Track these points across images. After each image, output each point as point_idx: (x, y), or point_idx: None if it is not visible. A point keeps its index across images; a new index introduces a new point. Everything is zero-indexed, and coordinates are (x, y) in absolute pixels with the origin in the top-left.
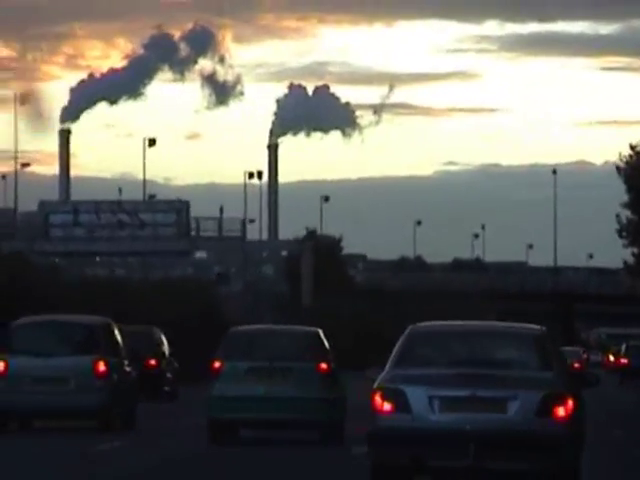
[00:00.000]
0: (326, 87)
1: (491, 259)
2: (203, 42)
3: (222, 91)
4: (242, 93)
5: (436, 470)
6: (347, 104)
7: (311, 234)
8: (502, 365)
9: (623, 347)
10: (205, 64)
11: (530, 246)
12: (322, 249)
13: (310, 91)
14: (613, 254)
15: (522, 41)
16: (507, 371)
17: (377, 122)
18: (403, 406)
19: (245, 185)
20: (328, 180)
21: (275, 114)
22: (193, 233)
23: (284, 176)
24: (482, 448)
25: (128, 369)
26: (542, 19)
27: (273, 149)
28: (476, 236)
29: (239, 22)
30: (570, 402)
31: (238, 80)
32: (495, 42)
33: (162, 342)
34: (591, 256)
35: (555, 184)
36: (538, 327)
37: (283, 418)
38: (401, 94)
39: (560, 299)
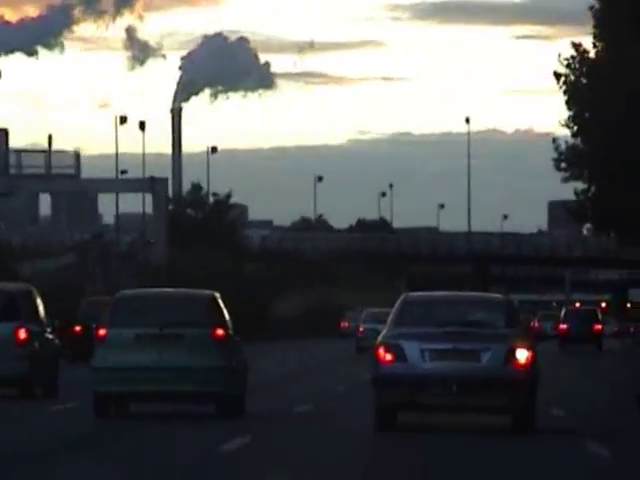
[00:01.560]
0: (245, 40)
1: (400, 225)
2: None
3: (143, 51)
4: (164, 56)
5: (427, 406)
6: (266, 64)
7: (195, 188)
8: (476, 325)
9: (562, 312)
10: (127, 21)
11: (442, 206)
12: (203, 205)
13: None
14: (526, 220)
15: (434, 9)
16: (480, 329)
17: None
18: (401, 357)
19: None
20: (239, 149)
21: (180, 75)
22: (13, 171)
23: (191, 143)
24: (462, 389)
25: (50, 337)
26: None
27: (176, 113)
28: (383, 194)
29: None
30: (529, 353)
31: (160, 42)
32: (407, 10)
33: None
34: (505, 217)
35: (469, 152)
36: (503, 296)
37: (175, 390)
38: (314, 63)
39: (475, 261)
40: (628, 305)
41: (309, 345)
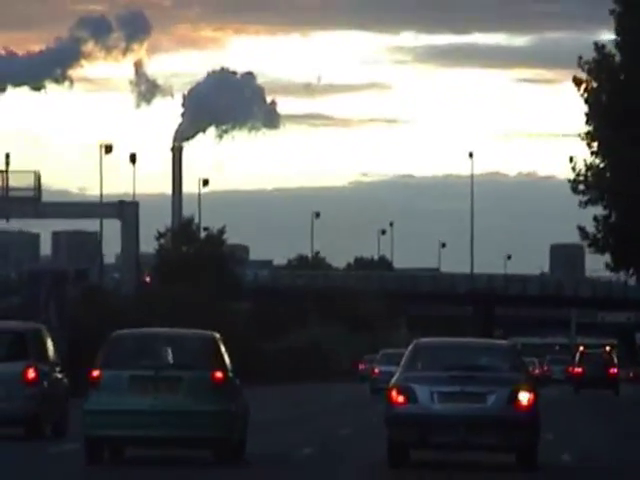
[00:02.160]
0: (251, 76)
1: (400, 265)
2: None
3: (150, 88)
4: (172, 95)
5: (436, 445)
6: (273, 102)
7: (187, 223)
8: (482, 369)
9: (577, 356)
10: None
11: (443, 245)
12: (194, 240)
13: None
14: (528, 263)
15: (437, 52)
16: (486, 373)
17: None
18: (412, 398)
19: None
20: (241, 190)
21: (183, 111)
22: None
23: (191, 183)
24: (469, 428)
25: (59, 376)
26: (457, 31)
27: (177, 151)
28: (383, 232)
29: (156, 32)
30: (531, 395)
31: (167, 82)
32: (410, 53)
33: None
34: (509, 257)
35: (472, 194)
36: (508, 342)
37: (172, 435)
38: (317, 105)
39: (477, 302)
40: None
41: (322, 387)
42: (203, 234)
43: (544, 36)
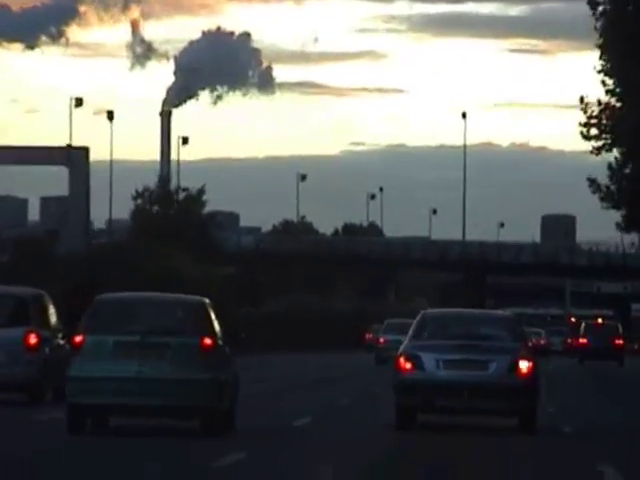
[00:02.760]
0: (247, 37)
1: (390, 234)
2: None
3: (146, 50)
4: (168, 58)
5: (441, 408)
6: (269, 67)
7: (163, 182)
8: (484, 338)
9: (582, 326)
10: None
11: (434, 211)
12: (173, 200)
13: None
14: (522, 232)
15: (431, 21)
16: (488, 342)
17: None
18: (419, 366)
19: None
20: (233, 158)
21: (175, 71)
22: None
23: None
24: (472, 394)
25: (61, 342)
26: (452, 0)
27: (165, 117)
28: (372, 197)
29: None
30: (530, 363)
31: (163, 47)
32: (404, 22)
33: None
34: (502, 225)
35: (465, 165)
36: (509, 313)
37: (158, 404)
38: (310, 73)
39: (470, 269)
40: None
41: (331, 356)
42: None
43: (539, 6)
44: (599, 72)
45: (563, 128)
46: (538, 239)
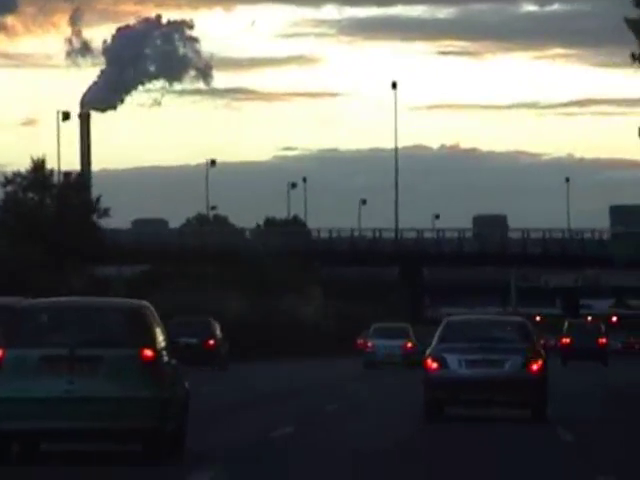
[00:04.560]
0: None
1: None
2: None
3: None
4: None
5: (465, 401)
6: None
7: (37, 165)
8: (500, 341)
9: (565, 325)
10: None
11: (364, 202)
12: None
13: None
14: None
15: (361, 25)
16: (503, 344)
17: None
18: (444, 365)
19: None
20: (146, 166)
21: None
22: None
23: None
24: (490, 388)
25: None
26: (381, 3)
27: (84, 119)
28: (293, 186)
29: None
30: (540, 361)
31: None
32: (334, 26)
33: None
34: (437, 217)
35: (396, 167)
36: (520, 318)
37: (91, 427)
38: (240, 79)
39: (406, 262)
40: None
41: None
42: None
43: (467, 8)
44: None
45: (493, 129)
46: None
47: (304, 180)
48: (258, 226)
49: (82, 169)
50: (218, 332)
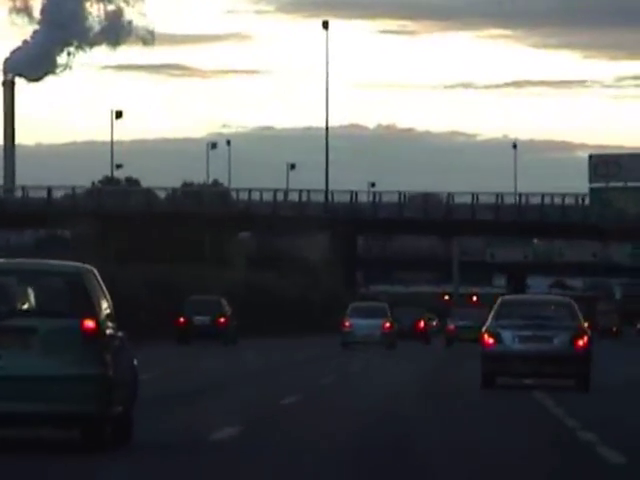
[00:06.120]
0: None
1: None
2: None
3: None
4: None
5: (517, 373)
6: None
7: None
8: (549, 319)
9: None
10: None
11: (292, 166)
12: None
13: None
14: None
15: (299, 3)
16: (552, 322)
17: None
18: (499, 340)
19: None
20: (98, 141)
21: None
22: None
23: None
24: (540, 362)
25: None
26: None
27: (8, 88)
28: (213, 146)
29: None
30: (585, 338)
31: None
32: (272, 3)
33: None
34: (373, 184)
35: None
36: (567, 299)
37: (23, 410)
38: (176, 55)
39: (338, 228)
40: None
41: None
42: None
43: None
44: None
45: (430, 109)
46: None
47: (228, 143)
48: (173, 190)
49: (5, 149)
50: (228, 310)
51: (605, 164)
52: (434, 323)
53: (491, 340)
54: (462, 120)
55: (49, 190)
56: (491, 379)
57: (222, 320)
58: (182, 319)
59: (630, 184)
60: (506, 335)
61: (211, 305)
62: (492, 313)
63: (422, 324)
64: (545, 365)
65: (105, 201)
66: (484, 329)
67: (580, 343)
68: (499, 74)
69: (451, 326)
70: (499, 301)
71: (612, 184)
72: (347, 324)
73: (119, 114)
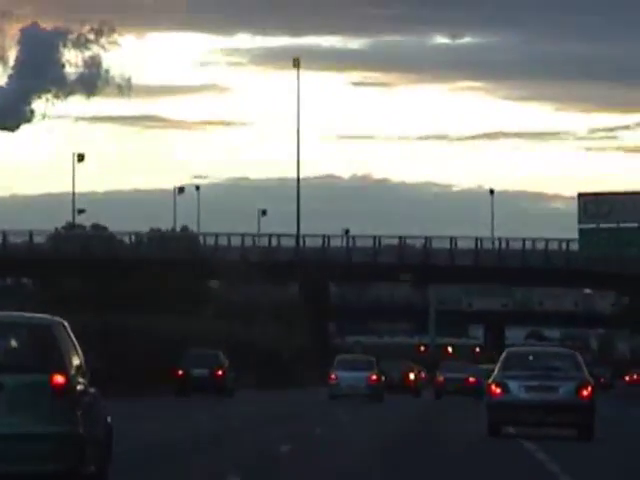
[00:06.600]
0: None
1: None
2: None
3: None
4: None
5: (523, 423)
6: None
7: None
8: (555, 369)
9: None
10: None
11: (263, 212)
12: None
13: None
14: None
15: (273, 55)
16: (557, 372)
17: None
18: (506, 390)
19: None
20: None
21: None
22: None
23: None
24: (546, 411)
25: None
26: (293, 33)
27: None
28: (180, 191)
29: None
30: (590, 388)
31: None
32: (245, 55)
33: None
34: (347, 232)
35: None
36: (572, 351)
37: None
38: (151, 107)
39: (308, 275)
40: None
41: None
42: None
43: (379, 39)
44: None
45: (404, 160)
46: None
47: (197, 188)
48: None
49: None
50: (225, 363)
51: (595, 204)
52: (423, 375)
53: (498, 390)
54: (437, 171)
55: (4, 234)
56: (497, 428)
57: (220, 373)
58: (180, 371)
59: (622, 225)
60: (513, 385)
61: (209, 358)
62: (498, 364)
63: (412, 376)
64: (551, 414)
65: (62, 246)
66: (491, 380)
67: (584, 393)
68: (472, 126)
69: (440, 378)
70: (505, 353)
71: (603, 225)
72: (333, 377)
73: (81, 157)
